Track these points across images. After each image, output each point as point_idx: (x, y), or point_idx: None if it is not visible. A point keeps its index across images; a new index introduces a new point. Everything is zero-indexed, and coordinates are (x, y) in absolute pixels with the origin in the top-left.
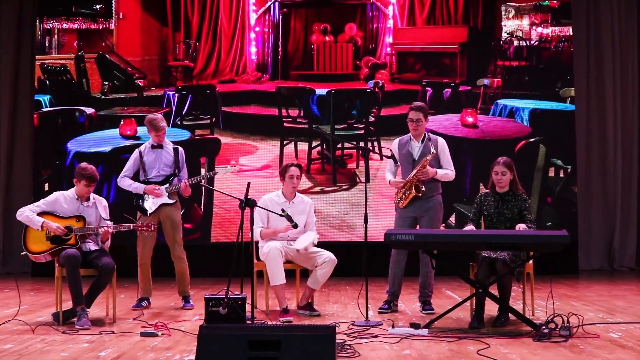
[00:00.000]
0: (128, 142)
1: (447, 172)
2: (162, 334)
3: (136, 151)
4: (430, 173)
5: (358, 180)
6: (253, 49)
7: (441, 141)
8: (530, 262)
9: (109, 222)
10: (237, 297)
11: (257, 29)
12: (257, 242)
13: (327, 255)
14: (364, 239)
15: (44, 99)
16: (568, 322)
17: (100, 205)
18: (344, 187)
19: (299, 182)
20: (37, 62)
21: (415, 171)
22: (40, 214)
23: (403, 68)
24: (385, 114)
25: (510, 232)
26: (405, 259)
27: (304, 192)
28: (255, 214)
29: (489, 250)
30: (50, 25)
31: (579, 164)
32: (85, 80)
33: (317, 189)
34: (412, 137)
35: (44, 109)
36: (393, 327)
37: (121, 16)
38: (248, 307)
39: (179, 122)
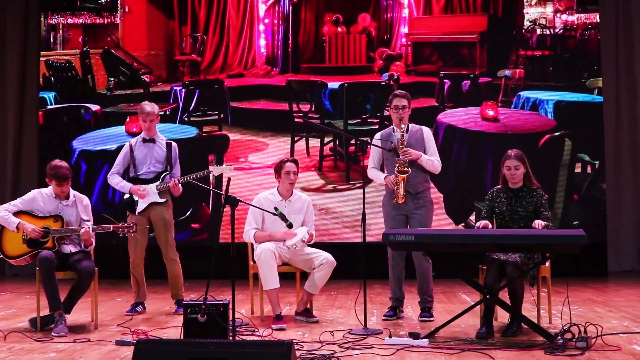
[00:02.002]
0: (134, 140)
1: (433, 160)
2: None
3: (126, 145)
4: (413, 154)
5: None
6: (262, 42)
7: (426, 130)
8: (547, 264)
9: (89, 224)
10: (219, 304)
11: (266, 20)
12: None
13: (325, 257)
14: (362, 240)
15: (49, 96)
16: (585, 332)
17: (80, 204)
18: (357, 185)
19: (296, 178)
20: (41, 58)
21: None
22: (17, 213)
23: (419, 59)
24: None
25: (520, 231)
26: (404, 259)
27: (316, 190)
28: (249, 214)
29: (497, 252)
30: (55, 20)
31: (608, 159)
32: (90, 77)
33: (330, 187)
34: (394, 128)
35: (49, 107)
36: (390, 336)
37: (127, 10)
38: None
39: (186, 119)
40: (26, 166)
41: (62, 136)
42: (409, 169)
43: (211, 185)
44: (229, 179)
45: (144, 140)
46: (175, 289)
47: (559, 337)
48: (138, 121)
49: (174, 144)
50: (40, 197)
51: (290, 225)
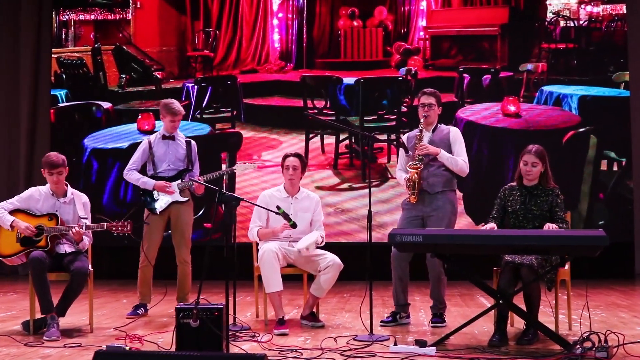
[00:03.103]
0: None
1: (457, 159)
2: (130, 349)
3: (145, 141)
4: (431, 150)
5: (389, 176)
6: (276, 37)
7: (454, 130)
8: (567, 267)
9: (86, 222)
10: (213, 308)
11: (280, 15)
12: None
13: (331, 259)
14: (368, 240)
15: (61, 93)
16: (606, 341)
17: (79, 202)
18: (374, 184)
19: (298, 174)
20: (53, 55)
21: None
22: (14, 211)
23: (438, 53)
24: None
25: (535, 232)
26: (408, 262)
27: (331, 189)
28: (254, 212)
29: (511, 253)
30: (67, 17)
31: (635, 155)
32: (102, 74)
33: (346, 185)
34: (422, 129)
35: (61, 104)
36: (396, 344)
37: (138, 5)
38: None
39: (198, 116)
40: (39, 164)
41: (74, 134)
42: (422, 165)
43: (224, 184)
44: (222, 176)
45: (164, 137)
46: (182, 292)
47: (578, 346)
48: (150, 118)
49: (193, 142)
50: (37, 195)
51: (294, 225)
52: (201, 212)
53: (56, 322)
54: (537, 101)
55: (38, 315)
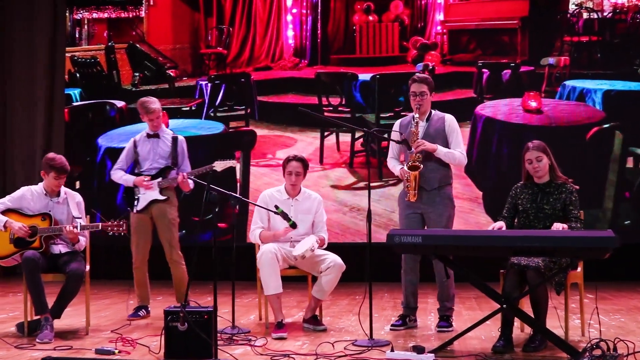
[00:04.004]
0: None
1: (454, 152)
2: (119, 352)
3: (131, 140)
4: (427, 146)
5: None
6: (290, 33)
7: (450, 118)
8: (579, 269)
9: (80, 221)
10: (202, 311)
11: (294, 10)
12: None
13: (332, 260)
14: (368, 240)
15: (75, 92)
16: (615, 349)
17: (72, 201)
18: (390, 182)
19: (300, 180)
20: (67, 54)
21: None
22: (6, 211)
23: (456, 48)
24: (436, 99)
25: (539, 233)
26: (419, 263)
27: (346, 188)
28: (255, 212)
29: (514, 255)
30: (80, 15)
31: None
32: (115, 72)
33: (362, 184)
34: (417, 120)
35: (74, 103)
36: (392, 350)
37: (151, 3)
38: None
39: (212, 114)
40: None
41: (88, 133)
42: (422, 165)
43: (238, 183)
44: (210, 175)
45: (149, 136)
46: (180, 293)
47: (586, 354)
48: (163, 117)
49: (180, 138)
50: (30, 195)
51: (293, 225)
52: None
53: (50, 323)
54: (559, 96)
55: (37, 317)
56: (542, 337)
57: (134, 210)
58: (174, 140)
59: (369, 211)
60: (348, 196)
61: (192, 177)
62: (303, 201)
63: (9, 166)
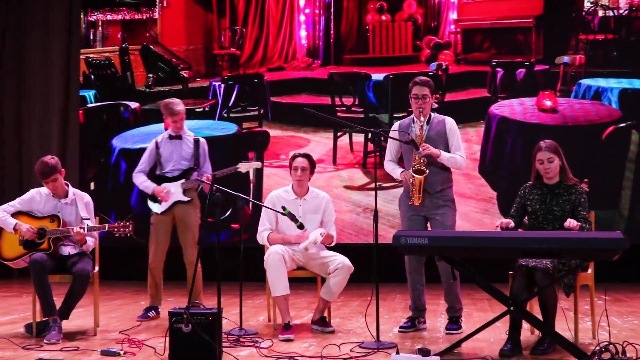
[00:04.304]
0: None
1: (456, 157)
2: (124, 353)
3: (152, 142)
4: (432, 152)
5: None
6: (303, 33)
7: (450, 121)
8: (589, 271)
9: (88, 222)
10: (207, 312)
11: (307, 10)
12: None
13: (341, 261)
14: (374, 241)
15: (89, 94)
16: (624, 352)
17: (80, 202)
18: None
19: (307, 175)
20: (81, 56)
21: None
22: (16, 214)
23: (470, 47)
24: (450, 99)
25: (546, 234)
26: (423, 264)
27: (359, 188)
28: (263, 214)
29: (520, 257)
30: (95, 17)
31: None
32: (129, 74)
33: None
34: (414, 119)
35: (89, 105)
36: (398, 352)
37: (165, 4)
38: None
39: (225, 115)
40: (70, 165)
41: (102, 134)
42: (427, 170)
43: (251, 183)
44: (214, 176)
45: (170, 137)
46: (193, 294)
47: (595, 358)
48: None
49: (202, 140)
50: (39, 197)
51: (300, 226)
52: (228, 212)
53: (58, 325)
54: (574, 95)
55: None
56: (551, 339)
57: (159, 212)
58: (196, 142)
59: (376, 212)
60: (361, 197)
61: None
62: (311, 200)
63: (26, 168)
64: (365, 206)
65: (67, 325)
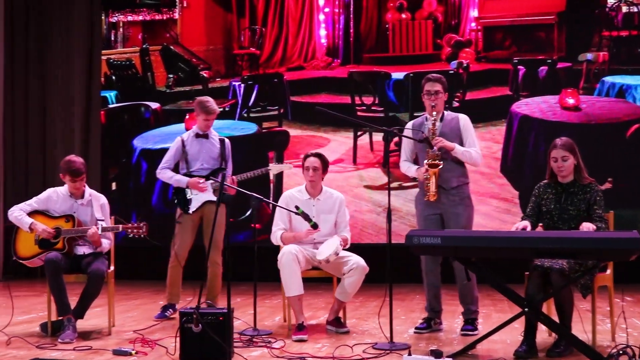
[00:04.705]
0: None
1: (470, 151)
2: (136, 353)
3: (178, 139)
4: (446, 145)
5: None
6: (322, 32)
7: (464, 118)
8: (608, 271)
9: (102, 223)
10: (218, 312)
11: (326, 9)
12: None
13: (355, 262)
14: (388, 241)
15: (110, 95)
16: None
17: (96, 203)
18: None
19: (319, 175)
20: (103, 57)
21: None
22: (32, 213)
23: (491, 45)
24: (471, 97)
25: (561, 234)
26: (439, 264)
27: (380, 188)
28: (276, 213)
29: (536, 257)
30: (116, 18)
31: None
32: (150, 74)
33: (396, 184)
34: (427, 116)
35: (110, 106)
36: (410, 354)
37: (185, 4)
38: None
39: (245, 115)
40: (93, 166)
41: (123, 135)
42: (441, 162)
43: (271, 183)
44: (223, 175)
45: (197, 135)
46: (212, 294)
47: None
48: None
49: (227, 140)
50: (55, 196)
51: (314, 226)
52: (248, 212)
53: (72, 324)
54: (597, 93)
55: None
56: (567, 342)
57: (189, 212)
58: (222, 141)
59: (389, 211)
60: (381, 196)
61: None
62: (325, 200)
63: (49, 169)
64: (386, 206)
65: (83, 324)
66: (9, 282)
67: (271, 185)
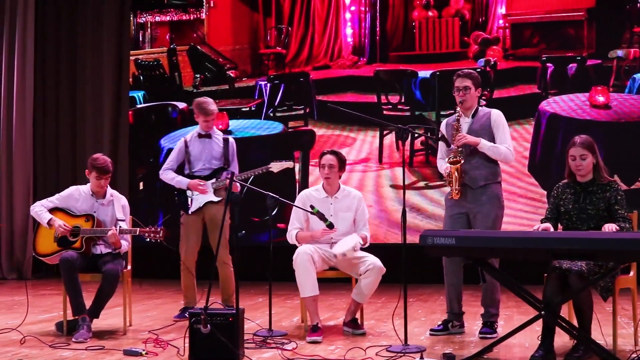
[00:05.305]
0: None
1: (499, 147)
2: (146, 353)
3: (181, 140)
4: (470, 140)
5: None
6: (349, 31)
7: (496, 113)
8: (632, 273)
9: (122, 224)
10: (227, 313)
11: (352, 8)
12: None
13: (372, 262)
14: (402, 241)
15: (138, 95)
16: None
17: (118, 203)
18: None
19: (335, 173)
20: (131, 57)
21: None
22: (53, 210)
23: (519, 42)
24: (498, 96)
25: (579, 234)
26: (462, 265)
27: (406, 187)
28: (293, 213)
29: (553, 258)
30: (144, 19)
31: None
32: (177, 74)
33: (422, 184)
34: (458, 116)
35: (138, 106)
36: (422, 357)
37: (212, 4)
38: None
39: (271, 114)
40: (121, 166)
41: (151, 135)
42: (462, 159)
43: (297, 183)
44: (232, 174)
45: (200, 136)
46: (226, 294)
47: None
48: (223, 118)
49: (231, 139)
50: (77, 194)
51: (330, 225)
52: (274, 212)
53: (87, 323)
54: (628, 90)
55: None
56: (586, 346)
57: (188, 212)
58: (225, 141)
59: (404, 210)
60: (408, 196)
61: (243, 178)
62: (342, 199)
63: (80, 168)
64: (412, 205)
65: (100, 323)
66: (39, 280)
67: (297, 185)
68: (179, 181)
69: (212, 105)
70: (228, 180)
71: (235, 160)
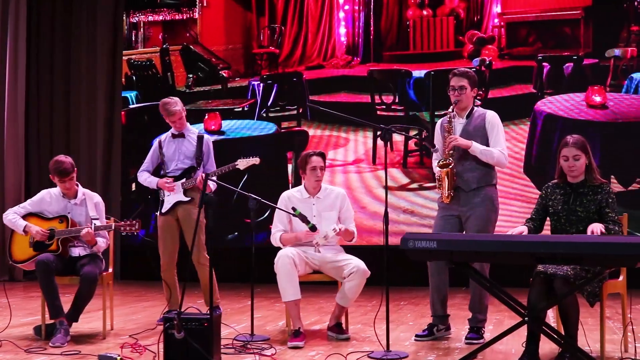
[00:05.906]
0: (213, 138)
1: (492, 150)
2: (122, 358)
3: (156, 141)
4: (461, 143)
5: None
6: (342, 30)
7: (491, 114)
8: (621, 278)
9: (96, 222)
10: (202, 318)
11: (346, 7)
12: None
13: (355, 265)
14: (384, 243)
15: (131, 95)
16: None
17: (90, 202)
18: None
19: (324, 173)
20: (123, 57)
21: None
22: (27, 216)
23: (514, 41)
24: (493, 95)
25: (563, 238)
26: (447, 268)
27: (400, 189)
28: (276, 215)
29: (538, 263)
30: (137, 18)
31: None
32: (170, 74)
33: (415, 185)
34: (450, 117)
35: (131, 106)
36: None
37: (205, 4)
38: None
39: (264, 114)
40: (115, 167)
41: (144, 135)
42: (452, 161)
43: (290, 184)
44: (207, 175)
45: (174, 136)
46: (207, 295)
47: None
48: (216, 118)
49: (206, 136)
50: (49, 197)
51: (312, 228)
52: (266, 214)
53: (64, 327)
54: (625, 90)
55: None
56: (572, 353)
57: (159, 213)
58: (199, 139)
59: (386, 213)
60: (403, 196)
61: (214, 177)
62: (324, 199)
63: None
64: (407, 207)
65: (81, 327)
66: (31, 282)
67: (290, 185)
68: (150, 182)
69: (175, 105)
70: (198, 179)
71: (211, 158)
